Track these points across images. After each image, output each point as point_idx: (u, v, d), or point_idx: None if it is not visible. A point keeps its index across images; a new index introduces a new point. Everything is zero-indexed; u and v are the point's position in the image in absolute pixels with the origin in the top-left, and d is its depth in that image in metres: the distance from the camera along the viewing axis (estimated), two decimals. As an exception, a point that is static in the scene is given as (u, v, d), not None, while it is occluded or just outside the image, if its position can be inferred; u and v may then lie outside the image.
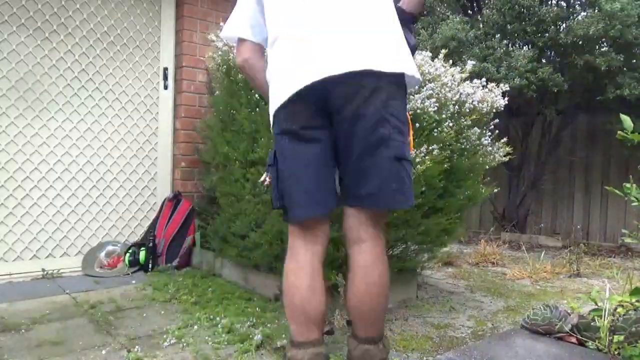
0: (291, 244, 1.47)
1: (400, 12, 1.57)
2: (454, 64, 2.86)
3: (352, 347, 1.44)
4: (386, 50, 1.41)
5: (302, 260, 1.43)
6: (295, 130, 1.41)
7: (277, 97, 1.43)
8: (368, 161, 1.37)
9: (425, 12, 5.77)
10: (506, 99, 2.83)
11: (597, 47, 4.54)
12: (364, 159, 1.37)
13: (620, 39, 4.24)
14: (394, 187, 1.38)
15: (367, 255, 1.41)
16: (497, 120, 2.89)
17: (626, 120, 1.49)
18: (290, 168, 1.42)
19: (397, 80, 1.41)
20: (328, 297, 1.50)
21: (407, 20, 1.59)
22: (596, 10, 4.38)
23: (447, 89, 2.46)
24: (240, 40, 1.62)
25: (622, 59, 4.28)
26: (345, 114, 1.37)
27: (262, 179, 1.64)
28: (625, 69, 4.39)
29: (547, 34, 4.62)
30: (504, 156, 2.87)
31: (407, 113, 1.51)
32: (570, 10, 4.85)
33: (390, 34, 1.45)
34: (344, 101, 1.37)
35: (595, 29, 4.13)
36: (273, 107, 1.46)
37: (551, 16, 4.57)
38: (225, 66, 2.90)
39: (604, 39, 4.31)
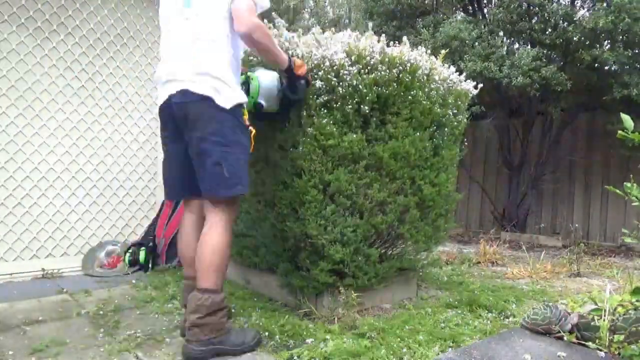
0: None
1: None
2: (454, 63, 2.88)
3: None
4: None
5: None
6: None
7: None
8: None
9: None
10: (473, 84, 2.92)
11: (605, 42, 4.53)
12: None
13: (629, 34, 4.21)
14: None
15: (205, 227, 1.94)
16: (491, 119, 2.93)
17: (627, 120, 1.49)
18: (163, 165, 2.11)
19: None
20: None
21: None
22: (604, 4, 4.37)
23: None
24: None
25: (630, 54, 4.26)
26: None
27: None
28: (636, 65, 4.34)
29: (555, 31, 4.60)
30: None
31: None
32: (579, 5, 4.85)
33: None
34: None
35: (604, 21, 4.11)
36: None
37: (561, 13, 4.56)
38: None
39: (612, 33, 4.28)
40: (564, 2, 4.92)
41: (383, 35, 2.39)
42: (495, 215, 6.01)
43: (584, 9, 4.89)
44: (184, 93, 1.86)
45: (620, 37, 4.31)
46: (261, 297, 2.64)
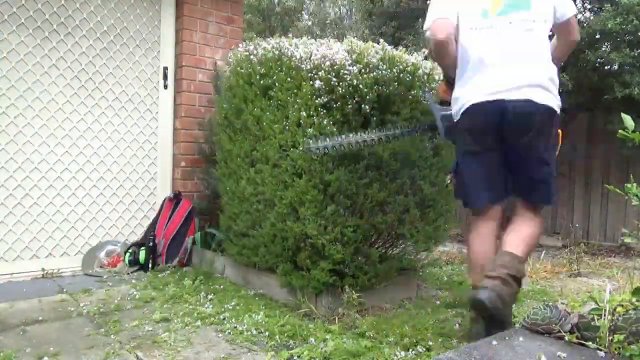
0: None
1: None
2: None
3: None
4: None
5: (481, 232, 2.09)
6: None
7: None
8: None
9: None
10: None
11: (610, 42, 4.54)
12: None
13: (635, 35, 4.22)
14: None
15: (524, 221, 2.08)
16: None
17: (627, 119, 1.48)
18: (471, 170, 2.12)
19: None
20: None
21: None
22: (609, 5, 4.37)
23: None
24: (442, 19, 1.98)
25: (635, 54, 4.27)
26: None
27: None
28: (636, 64, 4.34)
29: None
30: None
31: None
32: (580, 5, 4.85)
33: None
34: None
35: (612, 23, 4.12)
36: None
37: None
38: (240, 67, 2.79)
39: (619, 34, 4.28)
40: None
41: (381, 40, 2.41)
42: (495, 215, 6.00)
43: (586, 10, 4.87)
44: (533, 101, 1.96)
45: (626, 37, 4.32)
46: (261, 297, 2.64)
